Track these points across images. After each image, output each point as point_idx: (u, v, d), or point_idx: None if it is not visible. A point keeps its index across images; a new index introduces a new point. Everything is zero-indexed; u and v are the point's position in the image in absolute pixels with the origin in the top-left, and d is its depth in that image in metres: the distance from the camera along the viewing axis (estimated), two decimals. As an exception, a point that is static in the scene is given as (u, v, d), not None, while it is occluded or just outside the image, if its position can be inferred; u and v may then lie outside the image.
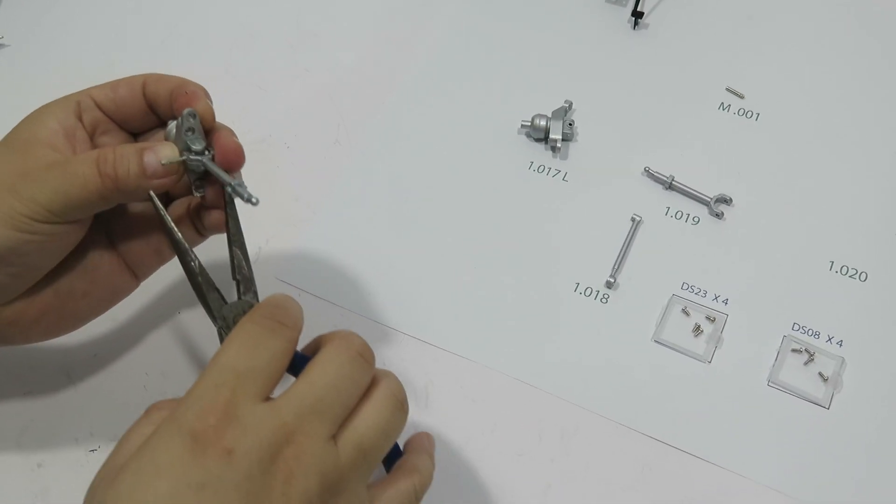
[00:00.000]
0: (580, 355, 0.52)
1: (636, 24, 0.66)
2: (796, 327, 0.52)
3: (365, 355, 0.39)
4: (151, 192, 0.41)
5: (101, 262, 0.45)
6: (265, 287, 0.54)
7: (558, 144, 0.59)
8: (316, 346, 0.40)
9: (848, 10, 0.67)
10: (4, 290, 0.41)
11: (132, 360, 0.52)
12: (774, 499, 0.46)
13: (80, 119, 0.44)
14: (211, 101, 0.43)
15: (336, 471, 0.36)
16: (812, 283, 0.54)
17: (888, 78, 0.63)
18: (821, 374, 0.50)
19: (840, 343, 0.51)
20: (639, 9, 0.65)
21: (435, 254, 0.56)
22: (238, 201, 0.42)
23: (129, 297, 0.53)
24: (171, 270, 0.55)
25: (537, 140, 0.61)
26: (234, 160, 0.43)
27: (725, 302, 0.53)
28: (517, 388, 0.51)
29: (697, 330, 0.52)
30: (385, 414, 0.38)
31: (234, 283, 0.43)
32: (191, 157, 0.41)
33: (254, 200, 0.40)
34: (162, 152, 0.41)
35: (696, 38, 0.66)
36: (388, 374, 0.40)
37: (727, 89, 0.63)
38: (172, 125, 0.43)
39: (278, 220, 0.58)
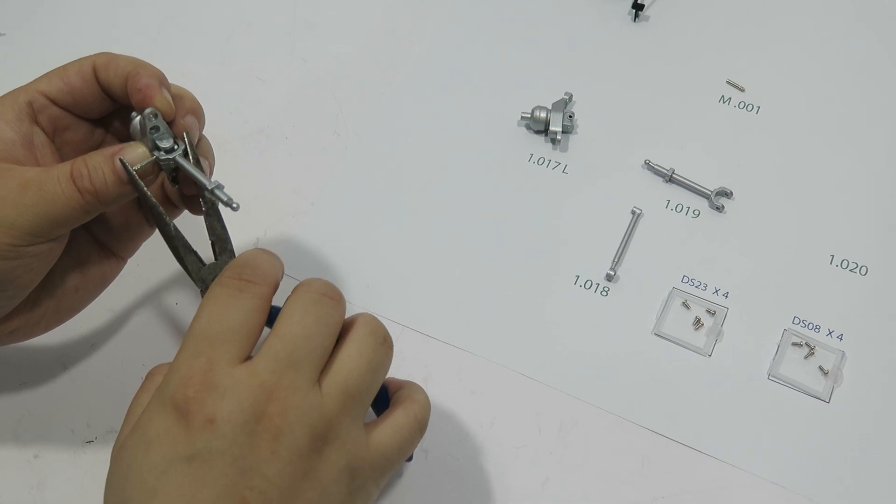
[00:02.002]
0: (580, 348, 0.51)
1: (636, 16, 0.66)
2: (797, 321, 0.52)
3: (329, 294, 0.38)
4: (123, 160, 0.39)
5: (87, 255, 0.45)
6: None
7: (558, 137, 0.59)
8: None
9: (848, 2, 0.66)
10: (1, 311, 0.41)
11: (129, 350, 0.52)
12: (774, 492, 0.46)
13: (36, 122, 0.42)
14: (168, 88, 0.42)
15: (323, 419, 0.36)
16: (812, 277, 0.53)
17: (889, 71, 0.62)
18: (821, 368, 0.50)
19: (840, 337, 0.51)
20: (639, 1, 0.65)
21: (434, 245, 0.56)
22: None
23: (126, 287, 0.53)
24: (168, 261, 0.55)
25: (537, 132, 0.60)
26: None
27: (726, 295, 0.53)
28: (516, 380, 0.50)
29: (698, 323, 0.52)
30: (367, 352, 0.38)
31: (209, 243, 0.43)
32: (161, 156, 0.40)
33: (234, 205, 0.40)
34: (131, 155, 0.40)
35: (696, 31, 0.65)
36: (364, 314, 0.40)
37: (728, 82, 0.62)
38: (136, 121, 0.41)
39: (276, 212, 0.57)
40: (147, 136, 0.40)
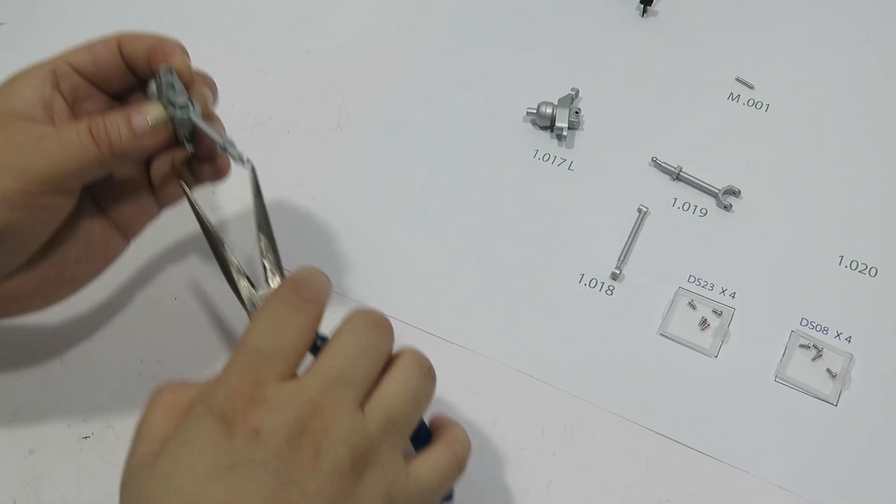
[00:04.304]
0: (584, 348, 0.51)
1: (645, 11, 0.65)
2: (804, 322, 0.51)
3: (381, 324, 0.39)
4: (183, 184, 0.44)
5: (92, 227, 0.45)
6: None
7: (564, 133, 0.58)
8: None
9: (861, 1, 0.65)
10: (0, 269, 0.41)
11: (127, 346, 0.51)
12: (780, 496, 0.46)
13: (57, 88, 0.43)
14: (188, 57, 0.43)
15: (365, 441, 0.36)
16: (821, 278, 0.53)
17: (901, 70, 0.62)
18: (829, 371, 0.49)
19: (849, 339, 0.50)
20: (648, -5, 0.64)
21: (437, 242, 0.55)
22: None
23: (124, 282, 0.53)
24: (169, 254, 0.54)
25: (543, 128, 0.60)
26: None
27: (733, 295, 0.52)
28: (520, 380, 0.50)
29: (704, 324, 0.51)
30: (412, 381, 0.38)
31: (262, 269, 0.45)
32: (177, 113, 0.41)
33: (245, 160, 0.42)
34: (148, 112, 0.41)
35: (705, 27, 0.65)
36: (410, 348, 0.40)
37: (737, 79, 0.62)
38: (153, 84, 0.43)
39: (278, 205, 0.57)
40: (163, 93, 0.41)
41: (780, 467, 0.46)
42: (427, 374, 0.39)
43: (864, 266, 0.53)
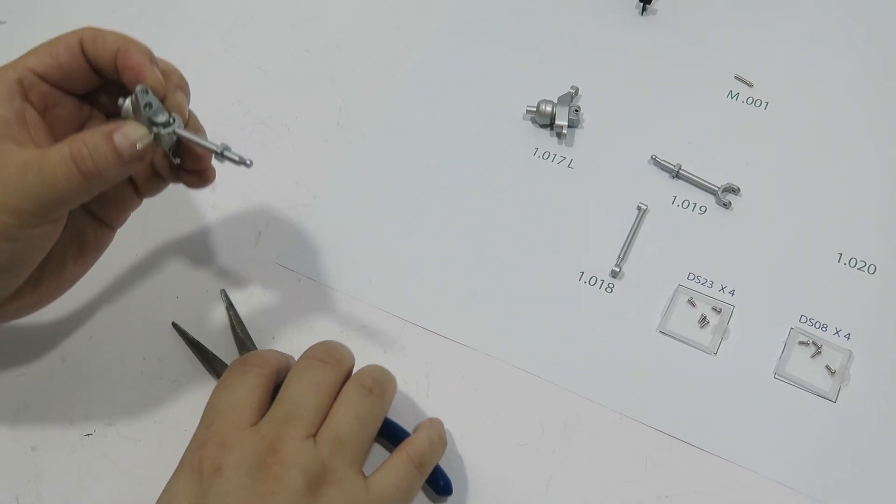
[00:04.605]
0: (584, 345, 0.51)
1: (644, 9, 0.65)
2: (804, 319, 0.51)
3: (322, 359, 0.44)
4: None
5: (83, 227, 0.45)
6: (265, 272, 0.54)
7: (564, 131, 0.58)
8: None
9: (859, -2, 0.66)
10: (7, 289, 0.41)
11: (129, 343, 0.51)
12: (779, 492, 0.46)
13: (26, 98, 0.42)
14: (156, 64, 0.42)
15: (317, 462, 0.40)
16: (820, 275, 0.53)
17: (900, 68, 0.62)
18: (828, 368, 0.49)
19: (848, 336, 0.50)
20: (647, -6, 0.64)
21: (437, 240, 0.55)
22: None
23: (125, 280, 0.53)
24: (170, 252, 0.54)
25: (543, 126, 0.60)
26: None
27: (732, 293, 0.52)
28: (519, 377, 0.50)
29: (703, 321, 0.51)
30: (353, 403, 0.42)
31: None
32: (161, 131, 0.40)
33: (248, 162, 0.41)
34: (132, 135, 0.39)
35: (704, 25, 0.65)
36: (362, 368, 0.44)
37: (736, 77, 0.62)
38: (127, 102, 0.41)
39: (278, 204, 0.57)
40: (141, 113, 0.40)
41: (779, 464, 0.47)
42: (369, 393, 0.43)
43: (863, 263, 0.53)
